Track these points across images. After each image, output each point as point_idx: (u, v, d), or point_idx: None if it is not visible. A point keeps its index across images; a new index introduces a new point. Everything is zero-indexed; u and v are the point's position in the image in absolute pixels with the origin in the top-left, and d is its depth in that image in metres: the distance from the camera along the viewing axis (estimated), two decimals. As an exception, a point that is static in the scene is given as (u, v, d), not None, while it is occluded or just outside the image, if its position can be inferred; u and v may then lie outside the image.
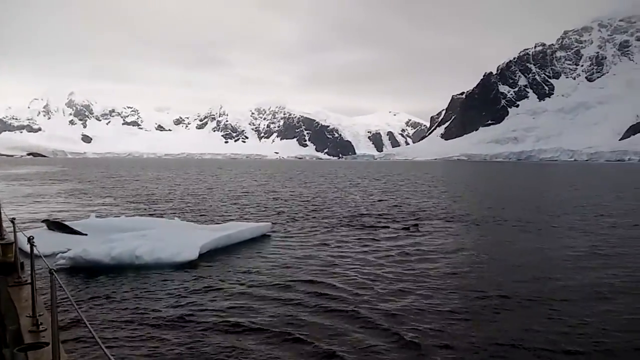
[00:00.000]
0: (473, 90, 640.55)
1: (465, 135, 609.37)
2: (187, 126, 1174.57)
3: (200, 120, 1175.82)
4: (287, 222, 22.77)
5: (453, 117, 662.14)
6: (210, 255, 14.23)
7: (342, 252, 15.67)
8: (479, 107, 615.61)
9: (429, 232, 20.26)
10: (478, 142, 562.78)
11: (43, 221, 17.54)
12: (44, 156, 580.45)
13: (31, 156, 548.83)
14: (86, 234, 15.26)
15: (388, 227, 21.41)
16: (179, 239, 14.06)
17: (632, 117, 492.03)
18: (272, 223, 20.87)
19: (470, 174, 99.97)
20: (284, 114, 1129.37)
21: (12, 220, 6.50)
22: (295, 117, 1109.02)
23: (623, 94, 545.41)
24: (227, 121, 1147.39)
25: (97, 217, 18.61)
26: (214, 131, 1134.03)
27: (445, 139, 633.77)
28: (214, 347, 7.78)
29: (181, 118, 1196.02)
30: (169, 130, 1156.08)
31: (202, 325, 8.75)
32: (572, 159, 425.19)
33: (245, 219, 23.18)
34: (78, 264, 12.32)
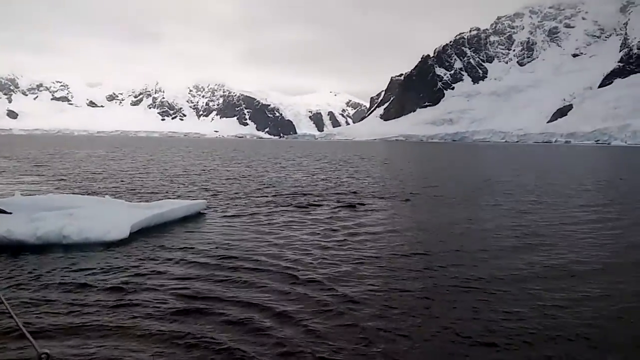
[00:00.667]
0: (411, 72, 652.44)
1: (403, 117, 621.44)
2: (121, 102, 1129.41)
3: (135, 97, 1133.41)
4: (224, 200, 22.74)
5: (392, 98, 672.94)
6: (142, 234, 14.09)
7: (280, 230, 15.81)
8: (416, 89, 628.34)
9: (371, 210, 20.80)
10: (416, 123, 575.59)
11: (-38, 200, 16.66)
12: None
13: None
14: (10, 212, 14.67)
15: (328, 205, 21.80)
16: (109, 218, 13.81)
17: (559, 101, 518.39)
18: (208, 201, 20.81)
19: (408, 154, 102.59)
20: (224, 92, 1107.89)
21: None
22: (235, 95, 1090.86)
23: (551, 79, 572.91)
24: (163, 98, 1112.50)
25: (22, 195, 17.88)
26: (150, 108, 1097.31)
27: (385, 120, 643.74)
28: (146, 327, 7.74)
29: (114, 94, 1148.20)
30: (102, 106, 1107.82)
31: (134, 306, 8.69)
32: (504, 140, 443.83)
33: (181, 197, 22.94)
34: (1, 244, 11.92)
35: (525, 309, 8.88)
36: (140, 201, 20.42)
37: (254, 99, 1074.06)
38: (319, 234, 15.34)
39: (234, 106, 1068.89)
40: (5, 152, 73.05)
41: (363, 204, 22.37)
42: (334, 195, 25.92)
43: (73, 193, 22.85)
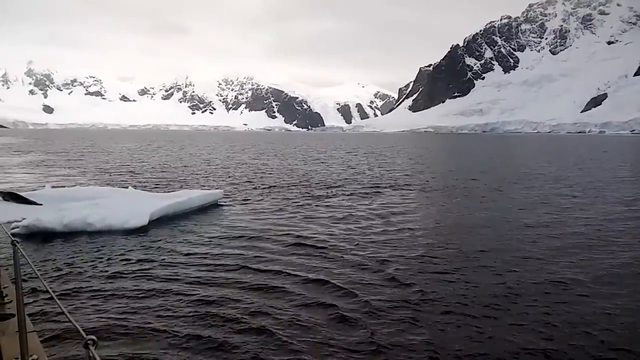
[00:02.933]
0: (440, 62, 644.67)
1: (432, 107, 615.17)
2: (152, 97, 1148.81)
3: (166, 91, 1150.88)
4: (244, 191, 23.63)
5: (420, 89, 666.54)
6: (161, 222, 15.03)
7: (297, 219, 16.35)
8: (445, 79, 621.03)
9: (400, 201, 21.05)
10: (445, 115, 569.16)
11: (-2, 192, 17.93)
12: (4, 127, 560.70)
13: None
14: (41, 204, 15.82)
15: (351, 196, 22.28)
16: (130, 207, 14.78)
17: (593, 90, 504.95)
18: (225, 192, 21.70)
19: (438, 146, 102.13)
20: (252, 85, 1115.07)
21: None
22: (263, 88, 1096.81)
23: (585, 67, 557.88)
24: (193, 92, 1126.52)
25: (52, 187, 19.10)
26: (181, 102, 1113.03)
27: (413, 111, 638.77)
28: (173, 311, 8.22)
29: (146, 88, 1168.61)
30: (134, 100, 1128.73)
31: (158, 289, 9.22)
32: (536, 131, 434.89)
33: (203, 188, 23.89)
34: (32, 231, 12.98)
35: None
36: (161, 191, 21.47)
37: (282, 92, 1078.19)
38: (337, 223, 15.82)
39: (262, 99, 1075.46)
40: (41, 146, 75.86)
41: (389, 194, 22.92)
42: (357, 186, 26.44)
43: (99, 185, 24.08)
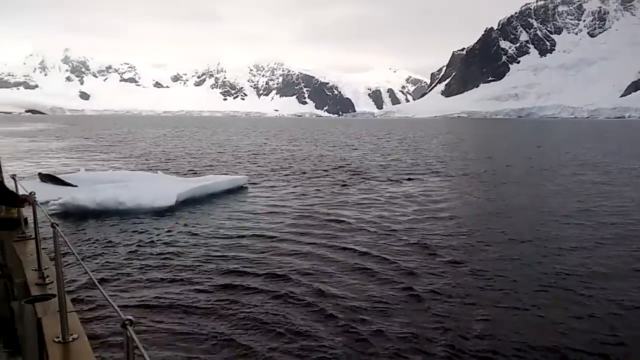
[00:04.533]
0: (474, 46, 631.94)
1: (465, 92, 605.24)
2: (185, 83, 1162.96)
3: (198, 77, 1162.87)
4: (272, 176, 24.31)
5: (453, 73, 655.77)
6: (187, 203, 15.78)
7: (321, 204, 16.74)
8: (479, 63, 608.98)
9: (434, 188, 21.07)
10: (479, 99, 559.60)
11: (38, 174, 19.06)
12: (43, 113, 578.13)
13: (30, 113, 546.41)
14: (76, 185, 16.75)
15: (382, 182, 22.46)
16: (159, 189, 15.58)
17: (633, 74, 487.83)
18: (250, 176, 22.41)
19: (472, 131, 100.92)
20: (283, 71, 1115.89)
21: (14, 177, 6.66)
22: (294, 73, 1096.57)
23: (625, 50, 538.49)
24: (225, 78, 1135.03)
25: (86, 170, 20.12)
26: (213, 88, 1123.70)
27: (446, 96, 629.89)
28: (203, 289, 8.62)
29: (179, 75, 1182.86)
30: (167, 87, 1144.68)
31: (186, 267, 9.76)
32: (573, 116, 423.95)
33: (232, 173, 24.63)
34: (67, 209, 13.88)
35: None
36: (189, 176, 22.30)
37: (313, 77, 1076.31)
38: (366, 208, 16.09)
39: (293, 85, 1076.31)
40: (77, 132, 78.37)
41: (423, 181, 23.19)
42: (390, 172, 26.72)
43: (131, 169, 25.10)
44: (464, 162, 32.55)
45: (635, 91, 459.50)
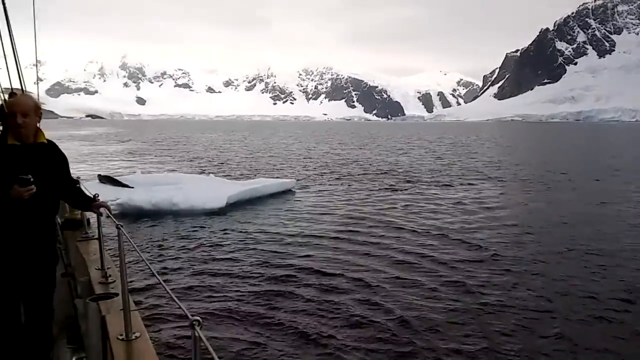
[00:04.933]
0: (528, 47, 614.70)
1: (519, 95, 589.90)
2: (236, 88, 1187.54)
3: (249, 82, 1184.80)
4: (320, 180, 24.58)
5: (507, 75, 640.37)
6: (237, 205, 16.25)
7: (369, 209, 16.60)
8: (534, 65, 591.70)
9: (490, 194, 20.55)
10: (533, 102, 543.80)
11: (97, 176, 20.05)
12: (102, 118, 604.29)
13: (90, 118, 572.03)
14: (133, 187, 17.51)
15: (433, 187, 22.07)
16: (210, 191, 16.12)
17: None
18: (298, 180, 22.72)
19: (527, 135, 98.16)
20: (332, 75, 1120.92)
21: (78, 180, 6.37)
22: (343, 77, 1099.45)
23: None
24: (275, 83, 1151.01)
25: (142, 172, 21.00)
26: (263, 93, 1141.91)
27: (499, 99, 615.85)
28: (260, 290, 8.74)
29: (230, 80, 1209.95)
30: (219, 92, 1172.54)
31: (240, 267, 9.99)
32: (635, 120, 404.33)
33: (281, 176, 25.04)
34: (125, 210, 14.57)
35: None
36: (239, 179, 22.87)
37: (362, 81, 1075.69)
38: (409, 214, 15.91)
39: (341, 89, 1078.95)
40: (135, 136, 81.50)
41: (478, 186, 22.89)
42: (441, 177, 26.45)
43: (184, 172, 25.97)
44: (518, 167, 31.72)
45: None
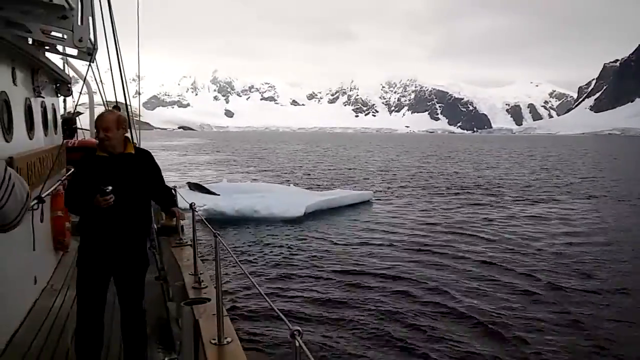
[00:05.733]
0: (629, 57, 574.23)
1: (618, 108, 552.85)
2: (319, 101, 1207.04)
3: (332, 95, 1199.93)
4: (396, 192, 24.70)
5: (605, 87, 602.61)
6: (315, 214, 16.80)
7: (447, 224, 16.41)
8: (635, 75, 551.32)
9: (579, 212, 19.54)
10: (634, 115, 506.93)
11: (187, 183, 21.48)
12: (193, 129, 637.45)
13: (182, 129, 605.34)
14: (219, 194, 18.60)
15: (514, 203, 21.29)
16: (290, 200, 16.83)
17: None
18: (375, 192, 22.97)
19: (627, 150, 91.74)
20: (415, 87, 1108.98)
21: (174, 188, 6.89)
22: (427, 89, 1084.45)
23: None
24: (357, 95, 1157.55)
25: (228, 181, 22.25)
26: (345, 105, 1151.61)
27: (595, 112, 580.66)
28: (356, 300, 8.95)
29: (314, 93, 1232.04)
30: (302, 104, 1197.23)
31: (326, 275, 10.34)
32: None
33: (360, 188, 25.45)
34: (210, 215, 15.52)
35: None
36: (318, 189, 23.55)
37: (446, 93, 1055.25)
38: (490, 229, 15.48)
39: (425, 101, 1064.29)
40: (223, 147, 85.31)
41: (566, 203, 22.13)
42: (521, 192, 25.73)
43: (267, 182, 27.04)
44: (615, 183, 29.90)
45: None
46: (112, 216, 3.39)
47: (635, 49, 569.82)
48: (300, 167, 40.80)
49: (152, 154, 3.74)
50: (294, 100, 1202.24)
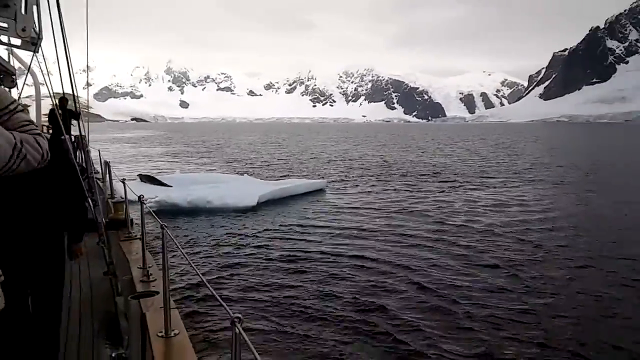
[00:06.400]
0: (577, 46, 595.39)
1: (566, 95, 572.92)
2: (276, 91, 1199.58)
3: (290, 85, 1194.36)
4: (349, 181, 25.06)
5: (554, 75, 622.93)
6: (267, 204, 16.93)
7: (396, 209, 16.94)
8: (582, 64, 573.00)
9: (529, 197, 20.54)
10: (581, 103, 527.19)
11: (138, 175, 21.19)
12: (146, 121, 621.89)
13: (134, 121, 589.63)
14: (171, 186, 18.46)
15: (469, 189, 22.01)
16: (243, 190, 16.90)
17: None
18: (328, 181, 23.32)
19: (574, 136, 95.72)
20: (372, 77, 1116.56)
21: (123, 181, 7.06)
22: (383, 79, 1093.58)
23: None
24: (315, 85, 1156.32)
25: (181, 172, 22.05)
26: (303, 95, 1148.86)
27: (545, 99, 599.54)
28: (296, 286, 9.10)
29: (271, 83, 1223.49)
30: (260, 95, 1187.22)
31: (274, 263, 10.46)
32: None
33: (314, 178, 25.68)
34: (162, 207, 15.42)
35: None
36: (272, 179, 23.64)
37: (403, 82, 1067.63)
38: (443, 214, 16.05)
39: (382, 90, 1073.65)
40: (177, 138, 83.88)
41: (510, 189, 22.95)
42: (471, 178, 26.60)
43: (221, 173, 26.94)
44: (561, 169, 31.26)
45: None
46: (10, 209, 3.13)
47: (583, 39, 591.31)
48: (257, 157, 40.70)
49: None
50: (251, 91, 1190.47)
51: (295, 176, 25.82)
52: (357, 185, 22.90)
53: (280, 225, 14.06)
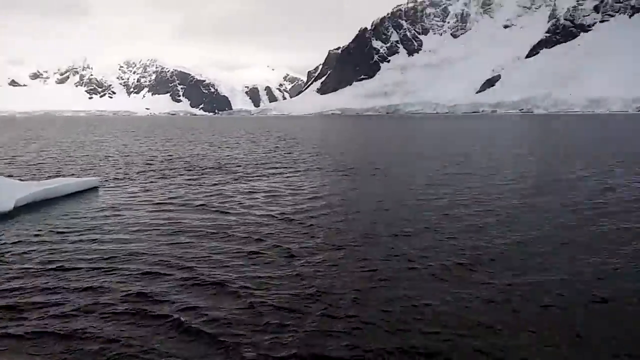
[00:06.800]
0: (349, 45, 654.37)
1: (340, 90, 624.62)
2: (45, 81, 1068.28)
3: (61, 74, 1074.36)
4: (125, 177, 23.79)
5: (329, 72, 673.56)
6: (29, 208, 15.13)
7: (173, 204, 16.83)
8: (353, 62, 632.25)
9: (303, 183, 22.00)
10: (352, 97, 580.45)
11: None
12: None
13: None
14: None
15: (250, 180, 22.86)
16: (-5, 193, 14.72)
17: (488, 72, 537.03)
18: (102, 178, 21.89)
19: (342, 129, 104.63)
20: (157, 68, 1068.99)
21: None
22: (168, 71, 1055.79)
23: (483, 50, 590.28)
24: (92, 75, 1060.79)
25: None
26: (77, 86, 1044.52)
27: (322, 94, 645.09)
28: (36, 293, 8.63)
29: (39, 72, 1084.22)
30: (25, 85, 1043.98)
31: (22, 272, 9.59)
32: (435, 112, 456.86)
33: (87, 175, 23.69)
34: None
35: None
36: (38, 180, 21.15)
37: (189, 75, 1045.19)
38: (225, 204, 16.48)
39: (167, 82, 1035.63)
40: None
41: (297, 176, 23.98)
42: (252, 169, 27.35)
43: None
44: (333, 157, 34.22)
45: (489, 87, 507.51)
46: None
47: (354, 38, 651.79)
48: (19, 156, 35.86)
49: None
50: (13, 81, 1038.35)
51: (64, 175, 23.52)
52: (137, 182, 21.89)
53: (42, 231, 12.76)
